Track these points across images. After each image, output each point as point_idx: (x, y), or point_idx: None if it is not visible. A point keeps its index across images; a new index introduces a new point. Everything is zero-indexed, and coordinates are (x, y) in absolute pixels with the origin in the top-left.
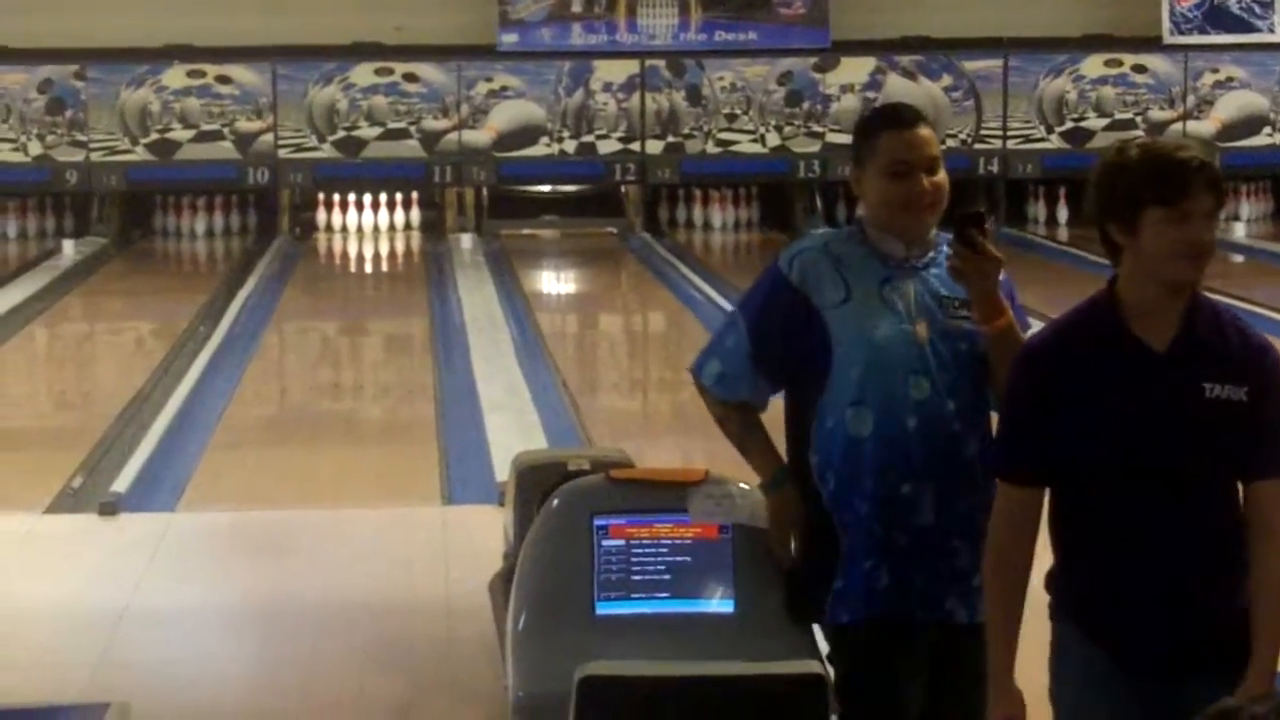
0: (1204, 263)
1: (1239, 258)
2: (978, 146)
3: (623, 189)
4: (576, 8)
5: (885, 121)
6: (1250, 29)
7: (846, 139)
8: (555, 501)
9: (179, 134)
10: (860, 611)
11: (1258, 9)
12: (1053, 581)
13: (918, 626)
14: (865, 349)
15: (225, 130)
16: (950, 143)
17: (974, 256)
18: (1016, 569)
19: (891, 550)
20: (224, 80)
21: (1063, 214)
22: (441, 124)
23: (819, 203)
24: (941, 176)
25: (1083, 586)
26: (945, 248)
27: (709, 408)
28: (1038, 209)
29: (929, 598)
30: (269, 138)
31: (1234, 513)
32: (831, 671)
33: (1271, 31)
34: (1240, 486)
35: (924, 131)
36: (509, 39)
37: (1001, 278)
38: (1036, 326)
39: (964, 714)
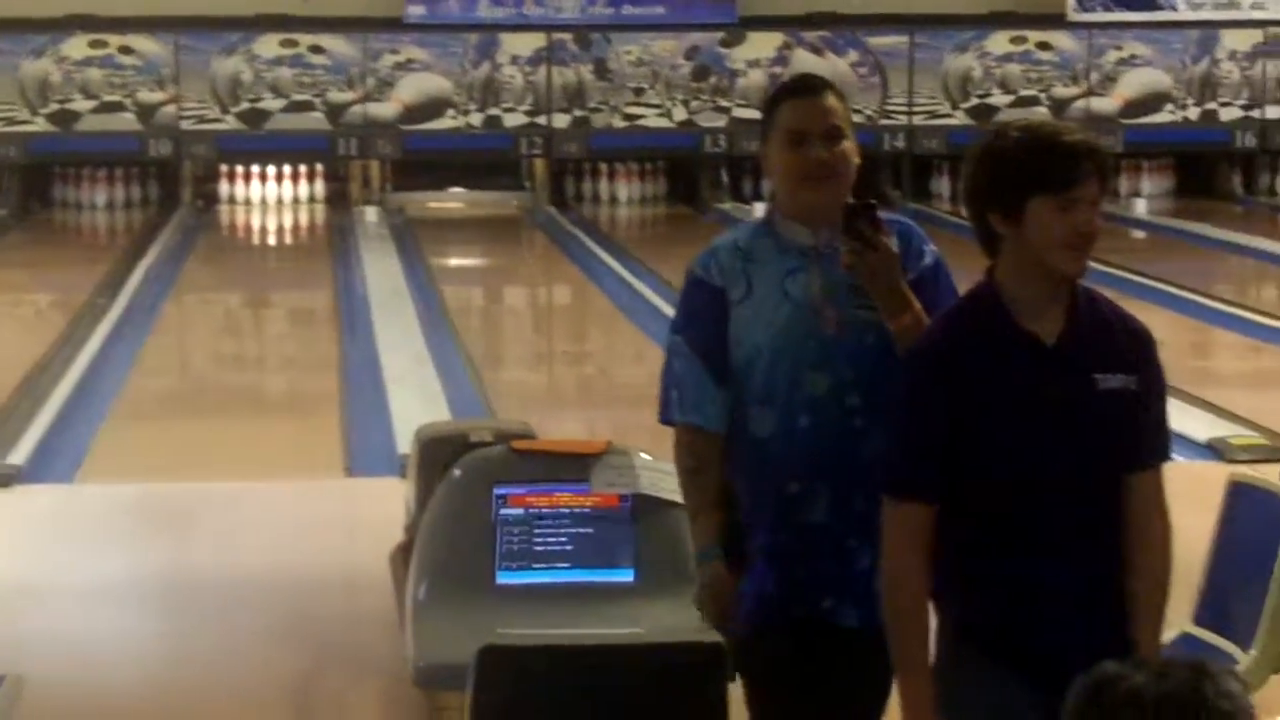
0: (1088, 254)
1: (1140, 234)
2: (884, 122)
3: (529, 162)
4: None
5: (786, 92)
6: (1154, 6)
7: (753, 114)
8: (456, 472)
9: (80, 105)
10: (753, 616)
11: None
12: (943, 601)
13: (798, 627)
14: (762, 345)
15: (127, 101)
16: (856, 119)
17: (864, 250)
18: (921, 594)
19: (781, 551)
20: (126, 51)
21: None
22: (347, 96)
23: (725, 177)
24: (846, 147)
25: (985, 602)
26: None
27: (677, 459)
28: (943, 184)
29: (806, 595)
30: (171, 109)
31: (1119, 503)
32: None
33: (1175, 9)
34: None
35: (828, 101)
36: (416, 12)
37: (929, 259)
38: None
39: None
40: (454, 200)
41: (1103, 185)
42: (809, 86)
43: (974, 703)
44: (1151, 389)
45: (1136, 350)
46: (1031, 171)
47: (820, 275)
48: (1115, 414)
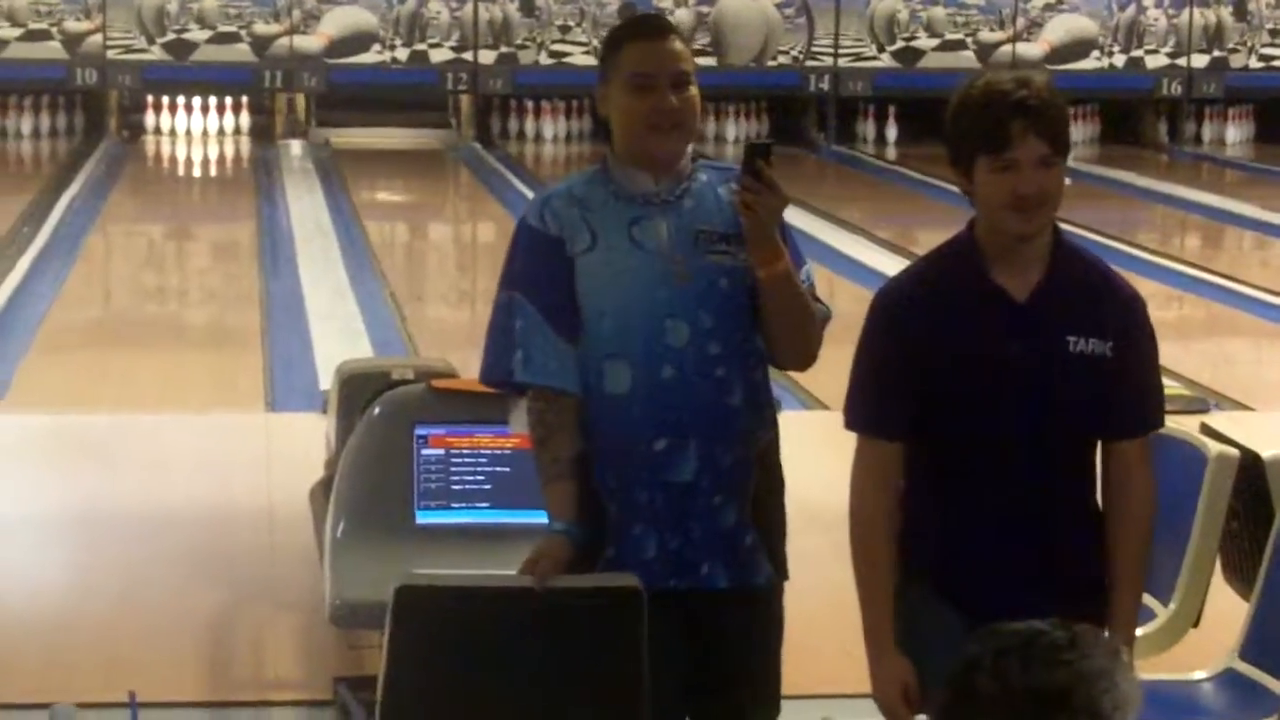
0: (1037, 214)
1: (1065, 180)
2: (809, 64)
3: (454, 98)
4: None
5: (630, 32)
6: None
7: None
8: (376, 410)
9: (6, 32)
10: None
11: None
12: (904, 541)
13: (672, 595)
14: (614, 297)
15: (53, 30)
16: (782, 60)
17: (763, 189)
18: (882, 528)
19: (655, 512)
20: None
21: (892, 132)
22: (273, 29)
23: None
24: (692, 94)
25: (940, 549)
26: (703, 176)
27: (529, 426)
28: (867, 128)
29: (683, 563)
30: (97, 39)
31: (1089, 472)
32: None
33: None
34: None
35: (674, 44)
36: None
37: None
38: (869, 251)
39: (733, 685)
40: (379, 135)
41: (1052, 144)
42: (656, 28)
43: (923, 647)
44: (1131, 356)
45: (1117, 315)
46: (972, 131)
47: (668, 222)
48: (1084, 379)
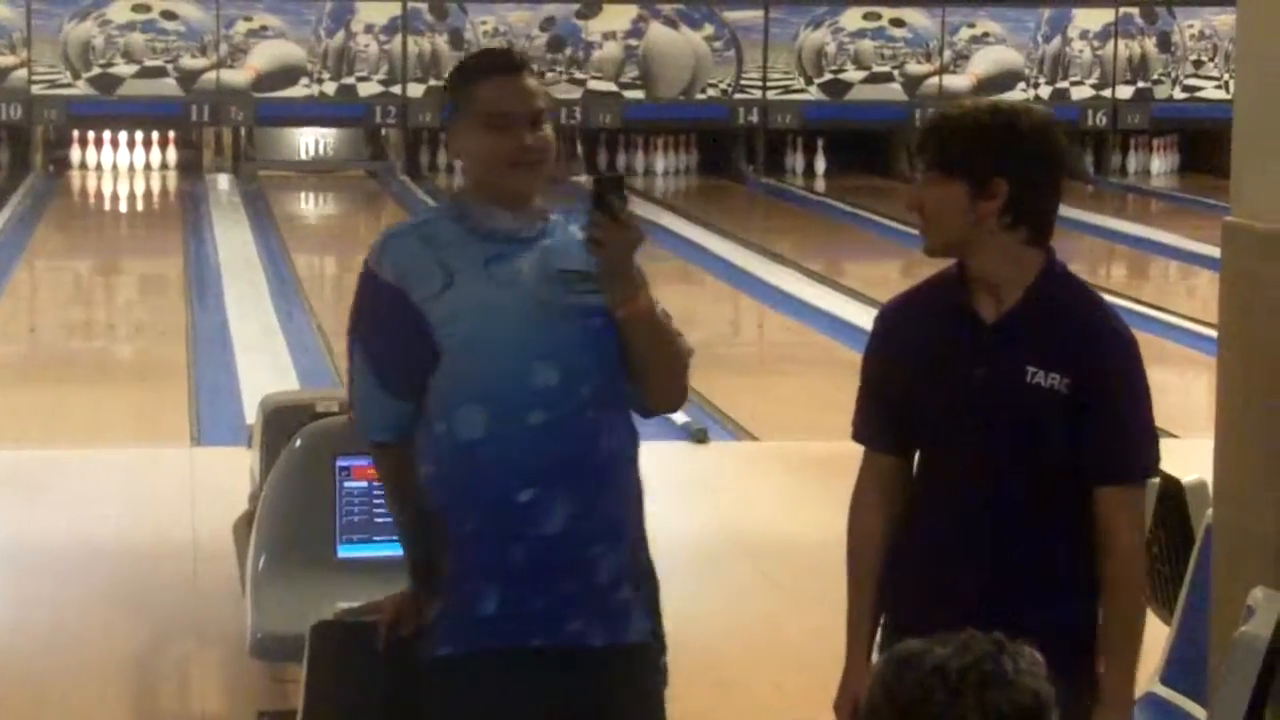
0: (927, 231)
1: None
2: (738, 97)
3: (384, 132)
4: None
5: (486, 68)
6: None
7: (608, 86)
8: (298, 442)
9: None
10: (462, 644)
11: None
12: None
13: (536, 656)
14: (473, 339)
15: None
16: (711, 92)
17: (614, 226)
18: (874, 539)
19: (504, 569)
20: None
21: (820, 164)
22: (200, 63)
23: (580, 149)
24: (548, 132)
25: (897, 573)
26: (555, 215)
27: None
28: (796, 160)
29: (549, 621)
30: (22, 73)
31: (1056, 514)
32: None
33: None
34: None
35: (529, 81)
36: None
37: None
38: (799, 283)
39: None
40: (308, 169)
41: (926, 163)
42: (513, 64)
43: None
44: (1097, 396)
45: (1082, 350)
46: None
47: (530, 260)
48: (1039, 411)
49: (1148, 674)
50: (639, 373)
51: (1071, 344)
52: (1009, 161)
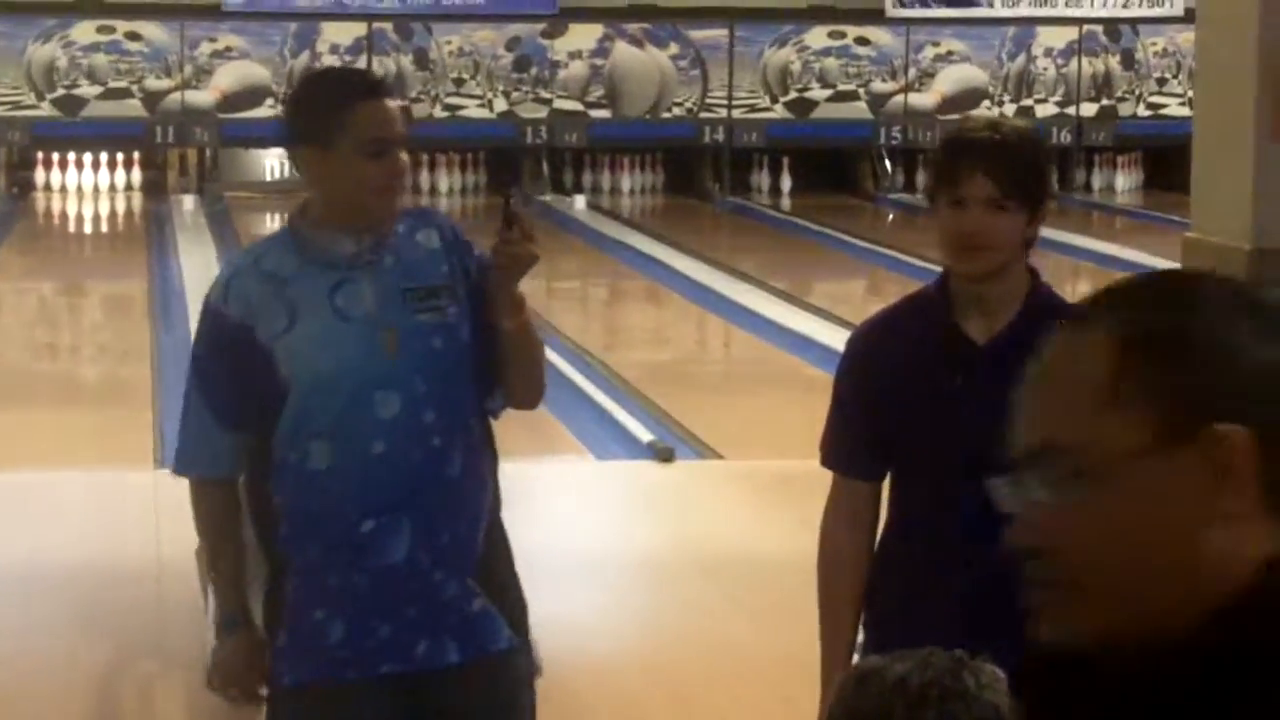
0: (980, 256)
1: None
2: (703, 115)
3: None
4: None
5: (360, 91)
6: (972, 3)
7: (574, 105)
8: None
9: None
10: (308, 673)
11: None
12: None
13: (386, 683)
14: (320, 374)
15: None
16: (677, 111)
17: (520, 241)
18: (847, 565)
19: (349, 598)
20: None
21: (786, 183)
22: (164, 84)
23: (545, 169)
24: (404, 154)
25: (882, 597)
26: (400, 228)
27: (203, 517)
28: (762, 178)
29: (397, 647)
30: None
31: None
32: None
33: (992, 6)
34: None
35: (395, 104)
36: None
37: (478, 250)
38: (765, 301)
39: None
40: (272, 189)
41: (998, 185)
42: (385, 88)
43: None
44: None
45: None
46: (934, 169)
47: (372, 284)
48: None
49: None
50: (507, 375)
51: None
52: (1049, 186)
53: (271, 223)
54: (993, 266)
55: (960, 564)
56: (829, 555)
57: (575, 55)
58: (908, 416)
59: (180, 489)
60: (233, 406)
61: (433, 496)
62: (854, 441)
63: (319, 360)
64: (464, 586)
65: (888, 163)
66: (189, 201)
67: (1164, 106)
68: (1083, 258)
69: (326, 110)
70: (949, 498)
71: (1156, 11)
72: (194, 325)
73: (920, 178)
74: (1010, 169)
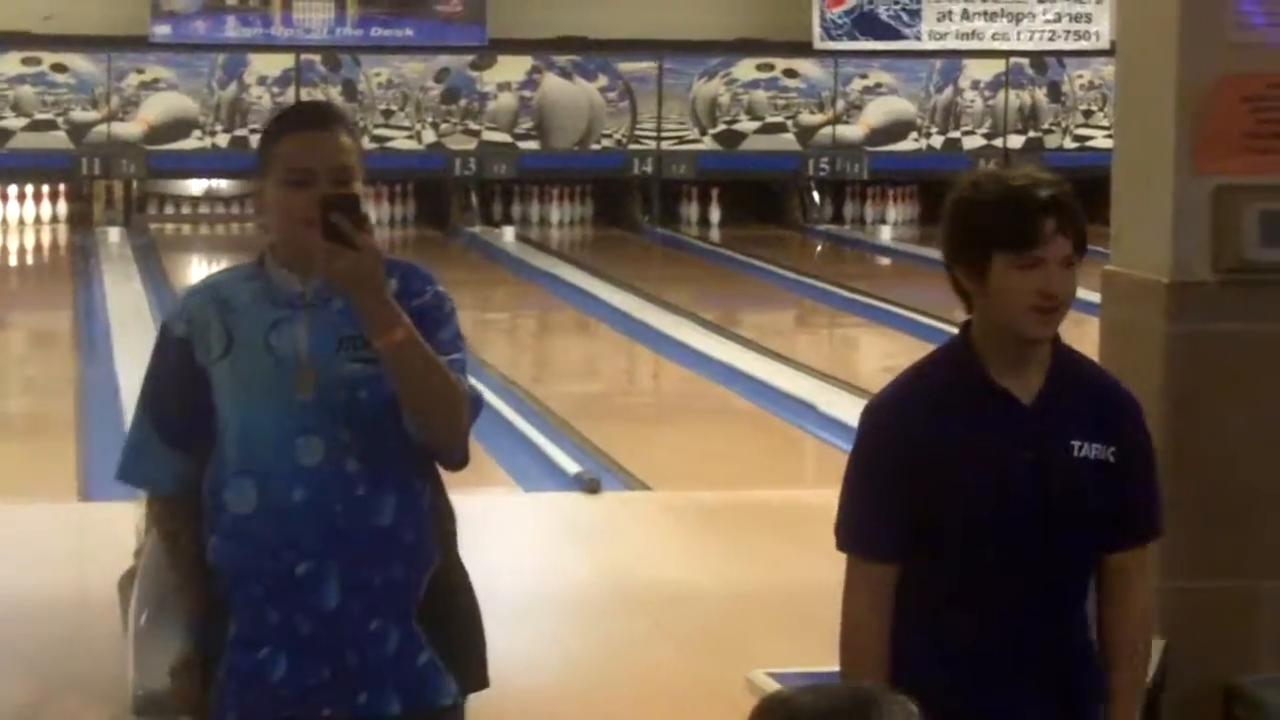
0: (1055, 317)
1: (885, 260)
2: (632, 147)
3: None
4: (231, 0)
5: (288, 124)
6: (899, 36)
7: (503, 137)
8: None
9: None
10: (251, 711)
11: (906, 17)
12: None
13: None
14: (244, 409)
15: None
16: (606, 143)
17: (344, 251)
18: (874, 656)
19: (291, 637)
20: None
21: (715, 214)
22: (90, 115)
23: (475, 201)
24: (355, 189)
25: (924, 668)
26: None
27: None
28: (691, 210)
29: (338, 692)
30: None
31: (1087, 584)
32: None
33: (919, 39)
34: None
35: (337, 137)
36: (161, 30)
37: (429, 295)
38: (694, 333)
39: None
40: (199, 221)
41: (1076, 245)
42: (318, 119)
43: None
44: (1134, 460)
45: (1118, 418)
46: (994, 227)
47: (309, 327)
48: (1088, 483)
49: None
50: (412, 412)
51: (1109, 413)
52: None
53: (198, 254)
54: (1058, 326)
55: (1034, 623)
56: (858, 645)
57: (504, 87)
58: (957, 480)
59: (104, 521)
60: (174, 423)
61: (359, 546)
62: (889, 520)
63: (241, 394)
64: (408, 636)
65: (816, 194)
66: (115, 234)
67: (1090, 138)
68: None
69: (262, 143)
70: (1008, 564)
71: (1082, 45)
72: (119, 359)
73: (849, 209)
74: (1078, 225)
